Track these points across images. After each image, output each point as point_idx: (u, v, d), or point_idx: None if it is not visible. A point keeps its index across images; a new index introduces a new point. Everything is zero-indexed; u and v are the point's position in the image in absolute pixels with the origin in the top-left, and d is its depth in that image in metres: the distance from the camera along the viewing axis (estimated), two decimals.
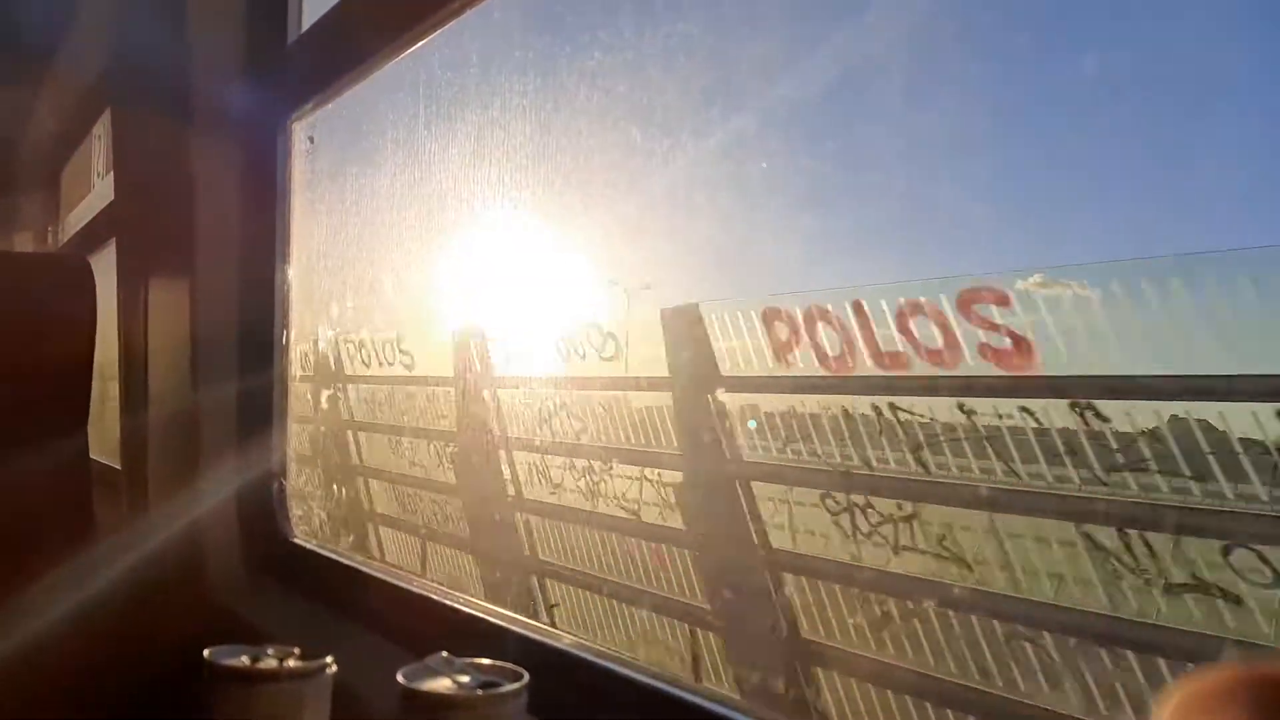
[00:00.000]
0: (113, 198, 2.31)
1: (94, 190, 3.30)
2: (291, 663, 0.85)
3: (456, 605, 1.23)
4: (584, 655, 1.05)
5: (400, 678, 0.77)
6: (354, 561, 1.47)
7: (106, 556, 1.62)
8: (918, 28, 1.07)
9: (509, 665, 0.81)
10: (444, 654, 0.81)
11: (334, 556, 1.52)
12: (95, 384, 1.64)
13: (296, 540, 1.62)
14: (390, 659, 0.84)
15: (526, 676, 0.79)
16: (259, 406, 1.68)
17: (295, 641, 0.89)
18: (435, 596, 1.27)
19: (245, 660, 0.86)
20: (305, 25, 1.63)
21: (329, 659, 0.87)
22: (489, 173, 1.34)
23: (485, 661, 0.81)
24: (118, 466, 2.00)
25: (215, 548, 1.66)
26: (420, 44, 1.38)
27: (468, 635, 1.16)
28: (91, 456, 1.69)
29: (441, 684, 0.77)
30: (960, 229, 1.17)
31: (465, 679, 0.78)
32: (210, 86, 1.70)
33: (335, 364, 2.47)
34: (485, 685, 0.77)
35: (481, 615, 1.18)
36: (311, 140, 1.67)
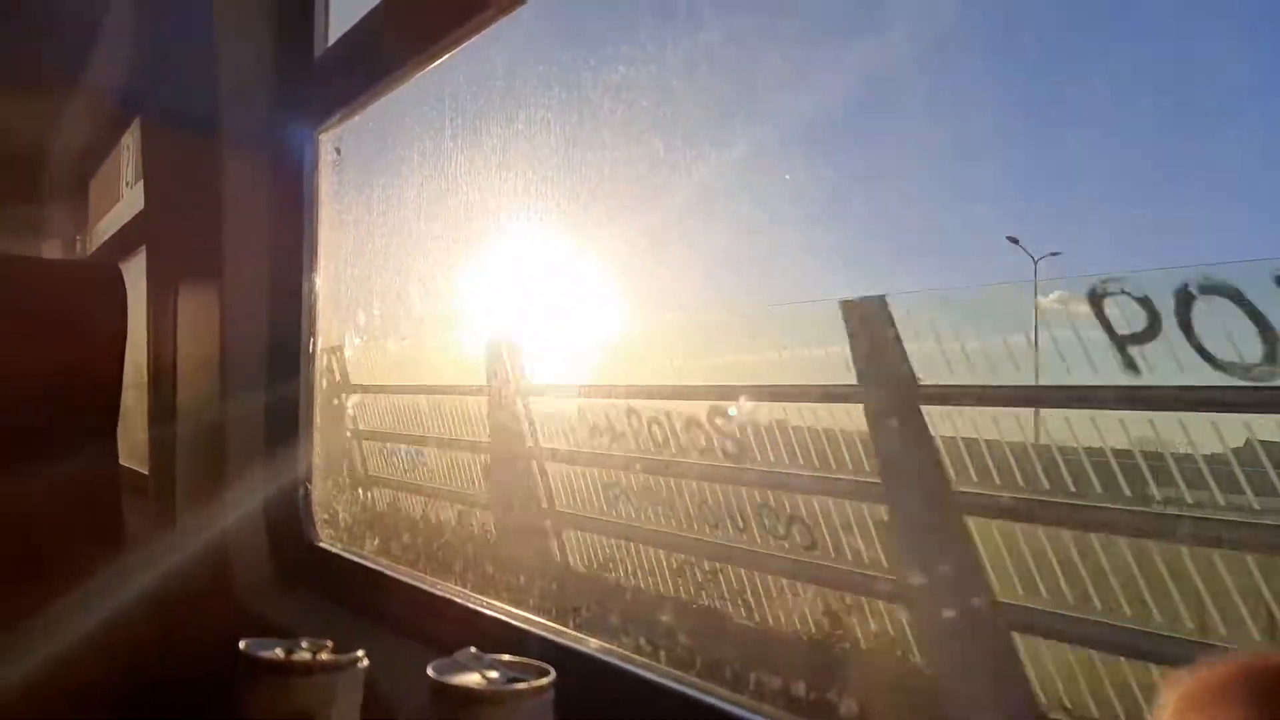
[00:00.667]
0: (142, 207, 2.35)
1: (123, 199, 3.34)
2: (325, 655, 0.88)
3: (480, 608, 1.25)
4: (609, 659, 1.06)
5: (430, 671, 0.79)
6: (379, 565, 1.50)
7: (136, 562, 1.65)
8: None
9: (536, 662, 0.83)
10: (473, 649, 0.83)
11: (360, 560, 1.54)
12: (124, 391, 1.67)
13: (323, 545, 1.65)
14: (417, 659, 0.86)
15: (553, 673, 0.81)
16: (286, 414, 1.70)
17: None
18: (460, 599, 1.29)
19: (279, 653, 0.88)
20: (332, 39, 1.66)
21: (361, 653, 0.89)
22: (514, 184, 1.37)
23: (513, 659, 0.83)
24: (146, 473, 2.03)
25: (243, 553, 1.68)
26: (446, 57, 1.41)
27: (493, 637, 1.18)
28: (121, 463, 1.72)
29: (470, 678, 0.79)
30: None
31: (494, 674, 0.80)
32: (238, 98, 1.73)
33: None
34: (513, 680, 0.80)
35: (506, 618, 1.20)
36: (339, 151, 1.70)
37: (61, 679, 1.42)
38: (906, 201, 1.17)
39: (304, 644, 0.88)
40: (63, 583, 1.49)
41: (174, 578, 1.65)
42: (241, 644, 0.87)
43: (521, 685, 0.78)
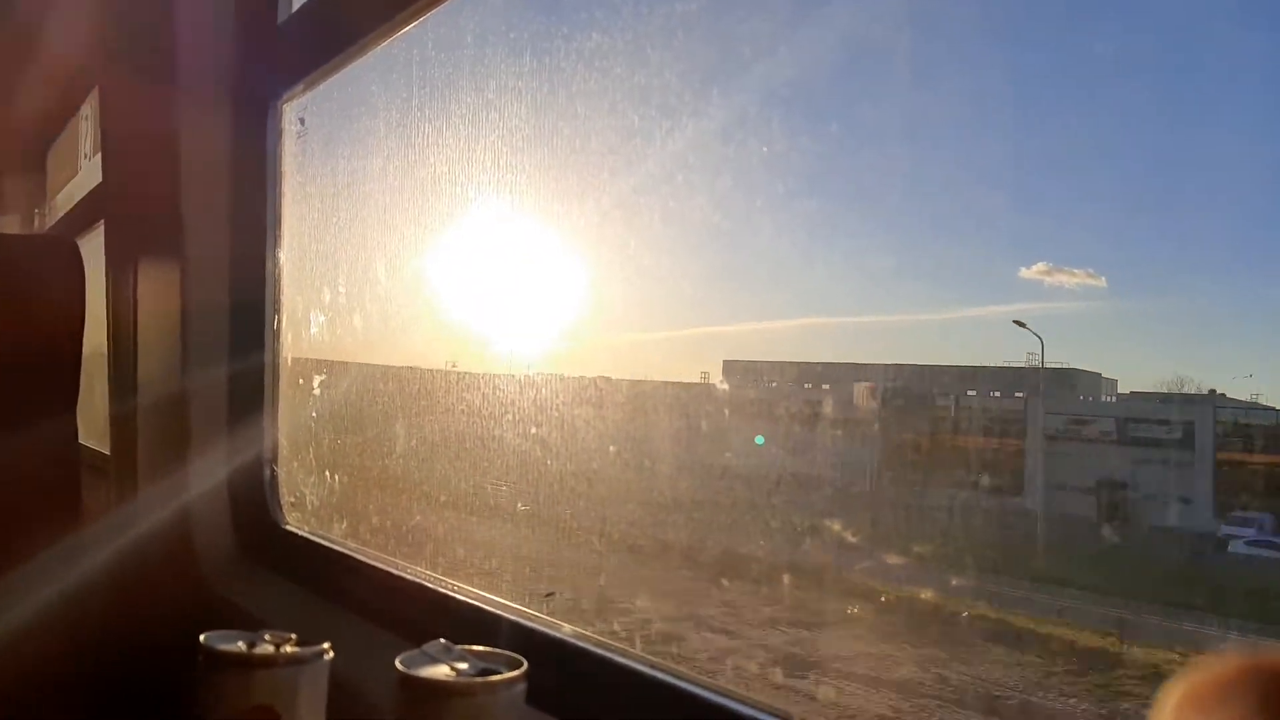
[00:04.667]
0: (101, 179, 2.29)
1: (81, 171, 3.26)
2: (288, 648, 0.84)
3: (452, 593, 1.22)
4: (582, 644, 1.04)
5: (398, 664, 0.76)
6: (347, 549, 1.46)
7: (96, 543, 1.61)
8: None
9: (507, 653, 0.80)
10: (442, 641, 0.80)
11: (327, 543, 1.50)
12: (83, 371, 1.63)
13: (289, 527, 1.61)
14: (386, 647, 0.83)
15: (525, 664, 0.78)
16: (250, 393, 1.66)
17: (288, 628, 0.88)
18: (430, 584, 1.26)
19: (241, 646, 0.85)
20: (296, 4, 1.61)
21: (326, 645, 0.86)
22: (484, 156, 1.33)
23: (484, 649, 0.80)
24: (107, 452, 1.98)
25: (206, 534, 1.65)
26: (414, 24, 1.37)
27: (464, 623, 1.15)
28: (80, 442, 1.68)
29: (439, 671, 0.76)
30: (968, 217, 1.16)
31: (463, 666, 0.77)
32: (200, 66, 1.68)
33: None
34: (483, 673, 0.77)
35: (478, 603, 1.18)
36: (302, 122, 1.65)
37: (19, 659, 1.39)
38: (888, 175, 1.14)
39: (266, 636, 0.85)
40: (20, 563, 1.45)
41: (136, 560, 1.62)
42: (202, 637, 0.84)
43: (492, 677, 0.75)
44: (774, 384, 1.38)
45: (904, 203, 1.15)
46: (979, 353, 1.28)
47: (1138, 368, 1.17)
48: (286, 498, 1.65)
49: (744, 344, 1.36)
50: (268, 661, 0.82)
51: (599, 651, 1.02)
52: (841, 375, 1.29)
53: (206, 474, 1.66)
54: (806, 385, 1.34)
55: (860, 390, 1.26)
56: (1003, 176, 1.10)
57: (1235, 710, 0.32)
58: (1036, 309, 1.13)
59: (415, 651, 0.78)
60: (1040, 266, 1.10)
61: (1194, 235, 1.04)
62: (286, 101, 1.65)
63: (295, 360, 1.70)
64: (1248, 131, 0.94)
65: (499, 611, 1.14)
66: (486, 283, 1.49)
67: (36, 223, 4.02)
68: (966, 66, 1.07)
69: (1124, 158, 1.06)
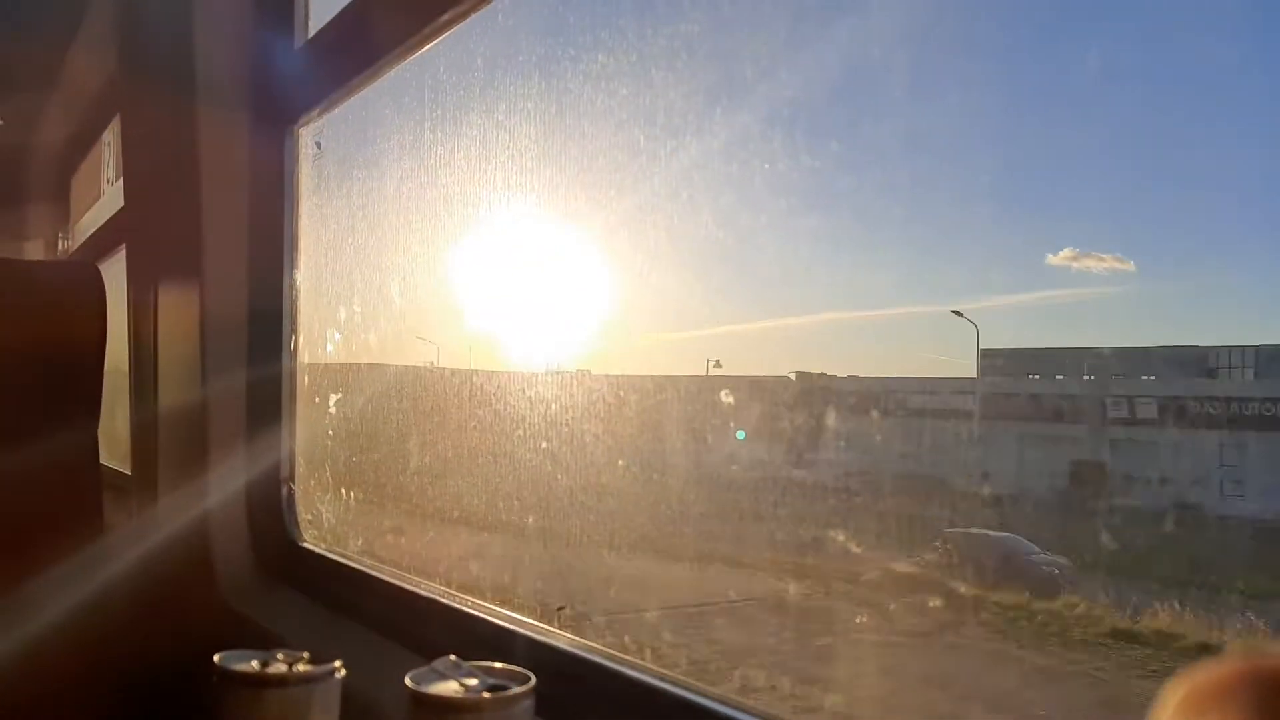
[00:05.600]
0: (122, 203, 2.32)
1: (104, 196, 3.31)
2: (300, 667, 0.86)
3: (464, 608, 1.23)
4: (593, 658, 1.05)
5: (408, 681, 0.77)
6: (362, 565, 1.48)
7: (117, 561, 1.63)
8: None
9: (516, 668, 0.81)
10: (451, 657, 0.81)
11: (342, 560, 1.52)
12: (106, 392, 1.65)
13: (305, 544, 1.63)
14: (399, 662, 0.84)
15: (533, 679, 0.79)
16: (268, 412, 1.68)
17: (304, 644, 0.89)
18: (443, 599, 1.27)
19: (254, 665, 0.86)
20: (311, 31, 1.64)
21: (338, 663, 0.87)
22: (495, 176, 1.35)
23: (493, 665, 0.81)
24: (128, 472, 2.01)
25: (225, 552, 1.66)
26: (426, 48, 1.39)
27: (475, 638, 1.16)
28: (102, 462, 1.70)
29: (449, 687, 0.77)
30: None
31: (472, 682, 0.78)
32: (218, 91, 1.71)
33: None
34: (492, 688, 0.78)
35: (489, 618, 1.18)
36: (319, 145, 1.68)
37: (37, 673, 1.41)
38: (889, 187, 1.15)
39: (279, 655, 0.86)
40: (42, 579, 1.47)
41: (155, 577, 1.63)
42: (216, 657, 0.85)
43: (500, 694, 0.76)
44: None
45: (926, 192, 1.15)
46: (1008, 342, 1.26)
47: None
48: (304, 515, 1.67)
49: (765, 341, 1.34)
50: (280, 681, 0.83)
51: (610, 664, 1.03)
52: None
53: (225, 492, 1.68)
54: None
55: None
56: (1024, 162, 1.10)
57: (1234, 713, 0.33)
58: (1067, 295, 1.11)
59: (425, 668, 0.79)
60: (1067, 252, 1.10)
61: (1225, 213, 1.03)
62: (303, 125, 1.67)
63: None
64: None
65: (510, 625, 1.15)
66: (498, 296, 1.50)
67: (61, 247, 4.08)
68: (987, 51, 1.08)
69: (1147, 136, 1.05)
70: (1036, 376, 1.32)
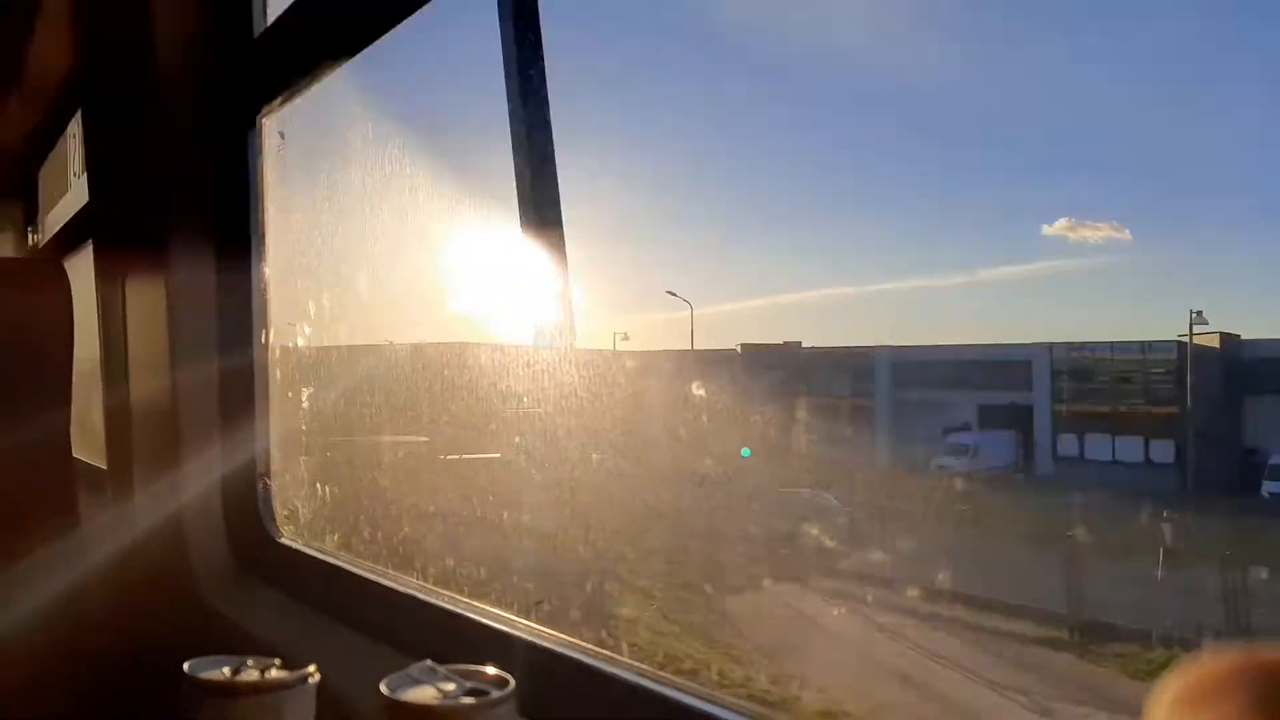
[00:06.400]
0: (88, 198, 2.28)
1: (71, 190, 3.26)
2: (273, 674, 0.84)
3: (444, 606, 1.21)
4: (575, 655, 1.03)
5: (383, 688, 0.75)
6: (340, 561, 1.45)
7: (91, 558, 1.61)
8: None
9: (496, 671, 0.79)
10: (428, 662, 0.79)
11: (320, 556, 1.50)
12: (79, 387, 1.63)
13: (283, 540, 1.60)
14: (376, 661, 0.82)
15: (513, 683, 0.77)
16: (241, 406, 1.66)
17: (279, 641, 0.87)
18: (423, 596, 1.25)
19: (226, 672, 0.84)
20: (271, 18, 1.60)
21: (311, 668, 0.85)
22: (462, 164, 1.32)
23: (471, 668, 0.79)
24: (102, 465, 1.98)
25: (201, 549, 1.64)
26: (390, 34, 1.35)
27: (456, 637, 1.15)
28: (77, 458, 1.68)
29: (426, 693, 0.75)
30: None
31: (450, 687, 0.76)
32: (178, 81, 1.68)
33: None
34: (471, 693, 0.76)
35: (470, 615, 1.17)
36: (282, 135, 1.64)
37: (11, 672, 1.40)
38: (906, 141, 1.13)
39: (250, 662, 0.84)
40: (14, 577, 1.46)
41: (129, 575, 1.62)
42: (186, 665, 0.83)
43: (478, 700, 0.74)
44: None
45: (924, 167, 1.14)
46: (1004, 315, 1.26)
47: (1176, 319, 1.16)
48: (280, 510, 1.64)
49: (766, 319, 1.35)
50: (252, 689, 0.82)
51: (592, 662, 1.01)
52: None
53: (200, 487, 1.66)
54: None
55: None
56: (1025, 133, 1.09)
57: (1229, 708, 0.32)
58: (1064, 266, 1.11)
59: (401, 674, 0.77)
60: (1063, 223, 1.09)
61: (1222, 185, 1.02)
62: (266, 115, 1.64)
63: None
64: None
65: (491, 623, 1.13)
66: (468, 280, 1.49)
67: (30, 242, 4.03)
68: (986, 32, 1.06)
69: (1146, 108, 1.04)
70: None
